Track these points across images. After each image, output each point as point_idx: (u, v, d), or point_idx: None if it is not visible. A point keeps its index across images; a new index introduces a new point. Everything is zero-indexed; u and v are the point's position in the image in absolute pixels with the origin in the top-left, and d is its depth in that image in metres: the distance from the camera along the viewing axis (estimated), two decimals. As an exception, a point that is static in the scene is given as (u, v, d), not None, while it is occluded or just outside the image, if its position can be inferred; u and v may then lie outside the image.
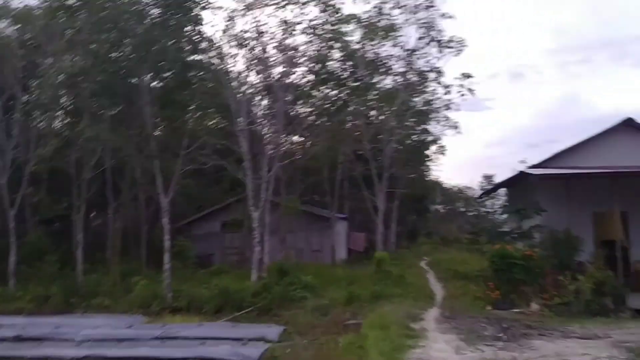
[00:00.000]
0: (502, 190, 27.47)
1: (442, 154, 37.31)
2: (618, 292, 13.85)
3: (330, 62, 25.67)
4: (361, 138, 28.56)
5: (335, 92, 27.47)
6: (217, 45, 21.40)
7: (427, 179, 42.36)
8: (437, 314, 13.60)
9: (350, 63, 27.12)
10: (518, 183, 20.49)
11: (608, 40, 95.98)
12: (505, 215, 23.98)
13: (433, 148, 36.44)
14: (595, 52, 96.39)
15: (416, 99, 30.45)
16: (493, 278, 15.42)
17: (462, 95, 28.29)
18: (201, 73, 22.47)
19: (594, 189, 16.57)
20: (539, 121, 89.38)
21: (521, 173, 18.57)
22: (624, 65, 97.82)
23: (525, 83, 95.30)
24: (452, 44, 27.26)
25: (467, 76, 27.89)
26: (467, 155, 79.59)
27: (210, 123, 28.02)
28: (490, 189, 25.10)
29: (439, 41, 27.33)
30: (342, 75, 27.03)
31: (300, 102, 27.63)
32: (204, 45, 21.74)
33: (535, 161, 20.35)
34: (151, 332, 13.36)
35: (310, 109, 28.26)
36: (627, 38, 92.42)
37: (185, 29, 21.15)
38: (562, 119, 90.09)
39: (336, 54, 25.72)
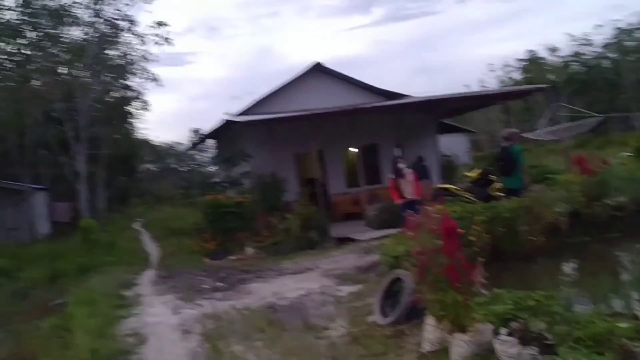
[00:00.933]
0: (212, 143, 27.53)
1: (147, 109, 35.77)
2: (322, 224, 14.83)
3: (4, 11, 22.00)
4: (51, 97, 25.43)
5: (12, 45, 23.75)
6: None
7: (134, 137, 40.36)
8: (153, 276, 12.80)
9: (29, 12, 23.65)
10: (225, 132, 20.51)
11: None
12: (215, 166, 24.02)
13: (136, 104, 34.67)
14: (282, 5, 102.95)
15: (111, 52, 28.23)
16: (208, 229, 15.18)
17: (159, 44, 27.20)
18: None
19: (293, 131, 17.37)
20: (238, 74, 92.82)
21: (226, 122, 18.53)
22: (309, 17, 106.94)
23: (222, 37, 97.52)
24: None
25: (161, 24, 26.79)
26: (174, 111, 78.80)
27: None
28: (199, 141, 24.76)
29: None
30: (20, 26, 23.47)
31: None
32: None
33: (239, 111, 20.63)
34: None
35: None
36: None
37: None
38: (259, 70, 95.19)
39: (9, 1, 22.13)
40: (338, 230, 15.15)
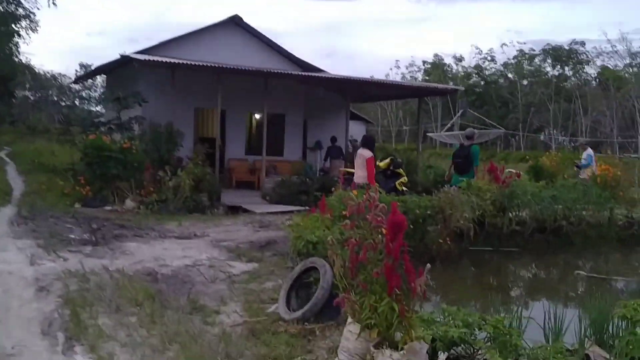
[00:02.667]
0: (102, 81, 25.14)
1: (34, 31, 32.17)
2: (214, 189, 13.74)
3: None
4: None
5: None
6: None
7: (15, 58, 36.21)
8: (13, 214, 11.07)
9: None
10: (119, 71, 18.57)
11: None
12: (103, 105, 21.82)
13: (24, 23, 31.01)
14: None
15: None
16: (85, 172, 13.48)
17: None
18: None
19: (198, 83, 15.98)
20: (140, 18, 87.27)
21: (123, 57, 16.68)
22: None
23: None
24: None
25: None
26: (66, 42, 72.53)
27: None
28: (88, 74, 22.40)
29: None
30: None
31: None
32: None
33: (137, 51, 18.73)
34: None
35: None
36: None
37: None
38: (163, 19, 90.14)
39: None
40: (231, 197, 14.12)
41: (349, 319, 4.20)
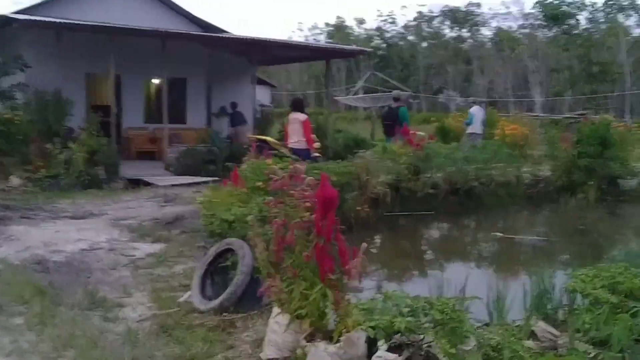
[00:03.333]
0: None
1: None
2: (111, 161, 12.67)
3: None
4: None
5: None
6: None
7: None
8: None
9: None
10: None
11: None
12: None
13: None
14: None
15: None
16: (-40, 147, 11.96)
17: None
18: None
19: (88, 46, 14.56)
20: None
21: (1, 18, 14.87)
22: None
23: None
24: None
25: None
26: None
27: None
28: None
29: None
30: None
31: None
32: None
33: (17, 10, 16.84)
34: None
35: None
36: None
37: None
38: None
39: None
40: (131, 170, 13.10)
41: (276, 309, 3.70)
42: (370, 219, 8.91)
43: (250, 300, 4.33)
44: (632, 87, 39.76)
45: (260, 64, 18.18)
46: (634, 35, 44.75)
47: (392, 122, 11.51)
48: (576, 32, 48.05)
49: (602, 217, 11.20)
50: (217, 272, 4.69)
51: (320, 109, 53.15)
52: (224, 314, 4.27)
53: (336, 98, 18.30)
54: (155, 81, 17.20)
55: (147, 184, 11.98)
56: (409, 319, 3.01)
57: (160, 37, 14.61)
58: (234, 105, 16.67)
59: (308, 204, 3.63)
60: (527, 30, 49.75)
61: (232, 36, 15.58)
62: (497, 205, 11.05)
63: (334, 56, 18.15)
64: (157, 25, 16.16)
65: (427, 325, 3.03)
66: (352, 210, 8.66)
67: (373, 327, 3.08)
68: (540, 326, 3.58)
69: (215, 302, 4.35)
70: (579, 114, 22.62)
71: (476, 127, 13.98)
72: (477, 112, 14.43)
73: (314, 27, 66.28)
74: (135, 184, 12.10)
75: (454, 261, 8.10)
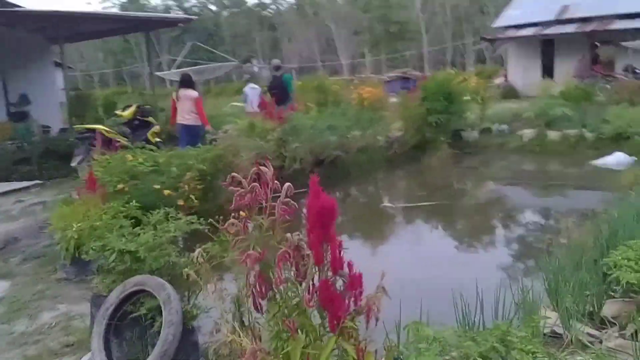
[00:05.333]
0: None
1: None
2: None
3: None
4: None
5: None
6: None
7: None
8: None
9: None
10: None
11: None
12: None
13: None
14: None
15: None
16: None
17: None
18: None
19: None
20: None
21: None
22: None
23: None
24: None
25: None
26: None
27: None
28: None
29: None
30: None
31: None
32: None
33: None
34: None
35: None
36: None
37: None
38: None
39: None
40: None
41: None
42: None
43: (187, 358, 3.10)
44: (428, 43, 42.68)
45: (66, 42, 15.48)
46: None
47: (280, 91, 10.94)
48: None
49: (464, 171, 11.39)
50: (125, 326, 3.32)
51: (122, 89, 49.48)
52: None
53: (158, 74, 16.44)
54: None
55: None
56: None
57: None
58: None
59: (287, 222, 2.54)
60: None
61: (28, 10, 12.93)
62: (363, 173, 10.63)
63: (156, 27, 16.14)
64: None
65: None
66: (230, 200, 7.50)
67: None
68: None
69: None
70: (401, 72, 23.45)
71: (251, 107, 13.15)
72: (250, 91, 13.76)
73: (105, 0, 60.85)
74: None
75: (373, 246, 7.22)
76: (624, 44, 18.52)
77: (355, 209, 9.06)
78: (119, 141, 8.96)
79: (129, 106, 10.83)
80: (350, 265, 2.40)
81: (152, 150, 7.41)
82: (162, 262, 3.33)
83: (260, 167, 2.72)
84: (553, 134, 12.03)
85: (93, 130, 9.67)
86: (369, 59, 45.37)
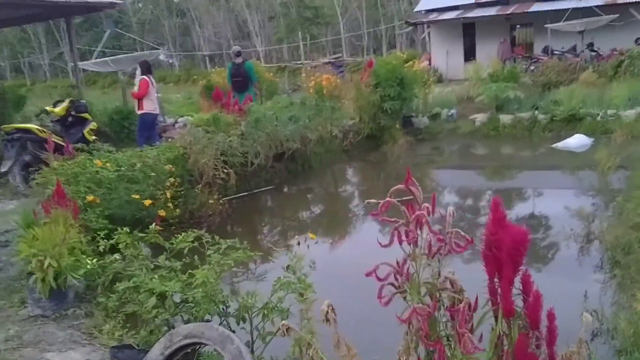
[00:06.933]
0: None
1: None
2: None
3: None
4: None
5: None
6: None
7: None
8: None
9: None
10: None
11: None
12: None
13: None
14: None
15: None
16: None
17: None
18: None
19: None
20: None
21: None
22: None
23: None
24: None
25: None
26: None
27: None
28: None
29: None
30: None
31: None
32: None
33: None
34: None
35: None
36: None
37: None
38: None
39: None
40: None
41: None
42: (222, 210, 7.04)
43: None
44: (344, 27, 42.35)
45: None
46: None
47: (242, 78, 10.41)
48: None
49: (426, 159, 11.06)
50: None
51: (21, 81, 45.68)
52: None
53: (80, 64, 14.93)
54: None
55: None
56: None
57: None
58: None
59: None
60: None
61: None
62: (323, 166, 10.05)
63: (79, 12, 14.61)
64: None
65: None
66: (206, 205, 6.66)
67: None
68: None
69: None
70: (333, 58, 22.90)
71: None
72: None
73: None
74: None
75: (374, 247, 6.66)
76: (546, 25, 18.95)
77: (337, 207, 8.42)
78: (44, 139, 7.80)
79: (60, 101, 9.56)
80: (551, 315, 1.80)
81: (109, 152, 6.43)
82: (219, 306, 2.57)
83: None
84: (505, 118, 11.92)
85: (25, 130, 8.40)
86: (286, 46, 44.52)
